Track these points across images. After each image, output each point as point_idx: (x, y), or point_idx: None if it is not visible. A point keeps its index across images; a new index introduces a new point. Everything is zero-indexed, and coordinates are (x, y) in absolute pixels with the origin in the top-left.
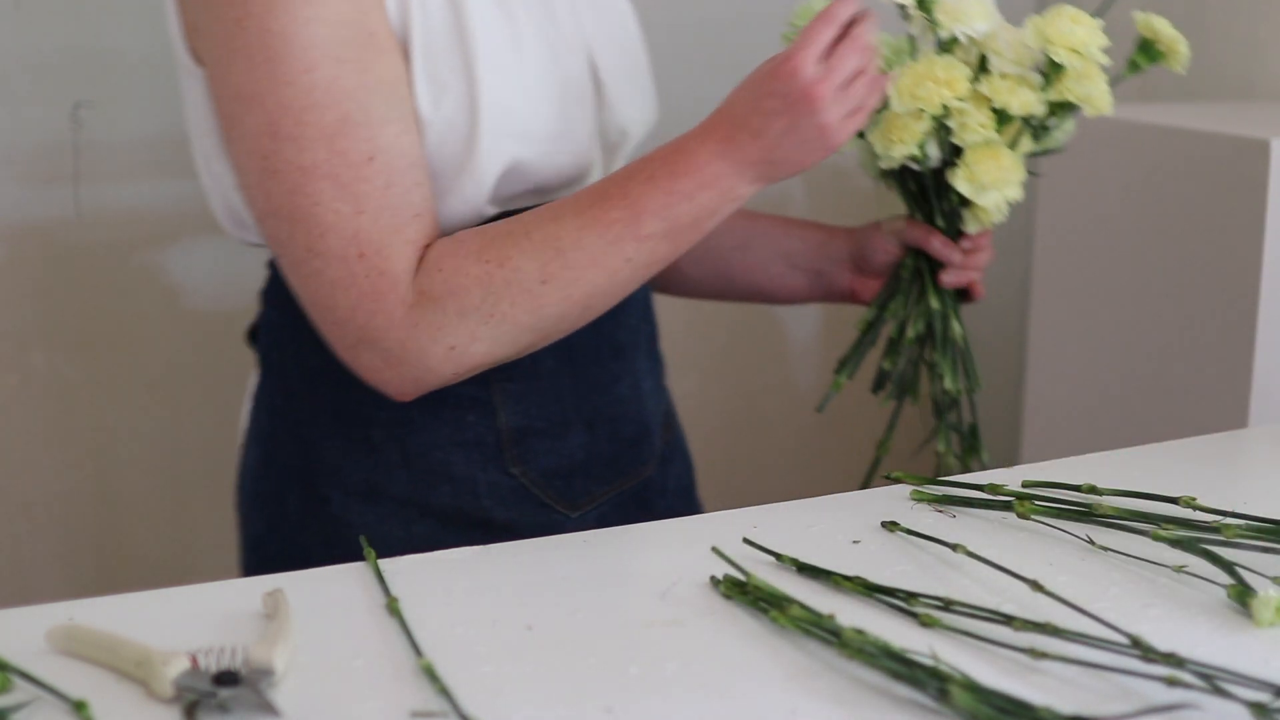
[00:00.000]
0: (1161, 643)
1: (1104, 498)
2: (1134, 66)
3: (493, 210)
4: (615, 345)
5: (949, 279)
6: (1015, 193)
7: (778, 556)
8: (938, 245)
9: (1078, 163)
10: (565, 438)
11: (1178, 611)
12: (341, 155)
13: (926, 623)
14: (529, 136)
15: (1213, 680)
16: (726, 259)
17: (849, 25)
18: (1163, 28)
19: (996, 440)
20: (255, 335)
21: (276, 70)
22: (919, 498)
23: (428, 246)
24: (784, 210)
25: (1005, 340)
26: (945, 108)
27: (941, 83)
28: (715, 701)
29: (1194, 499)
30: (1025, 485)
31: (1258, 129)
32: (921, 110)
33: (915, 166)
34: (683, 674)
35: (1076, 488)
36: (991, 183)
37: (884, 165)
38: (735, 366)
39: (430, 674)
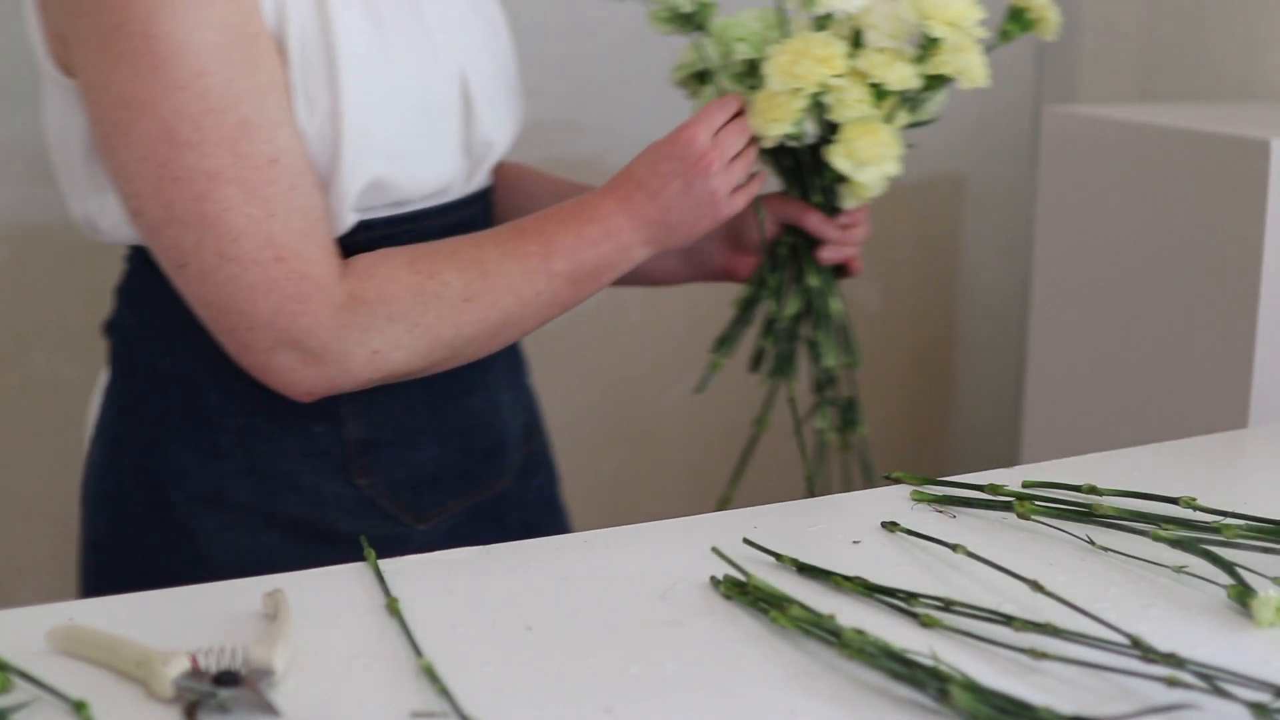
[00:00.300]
0: (1161, 643)
1: (1104, 498)
2: (1005, 35)
3: (354, 218)
4: None
5: (827, 255)
6: (893, 167)
7: (778, 556)
8: (815, 222)
9: (1078, 163)
10: (415, 449)
11: (1178, 612)
12: (245, 159)
13: (926, 623)
14: (392, 154)
15: (1213, 680)
16: None
17: (736, 115)
18: None
19: (996, 440)
20: (110, 330)
21: (166, 76)
22: (919, 498)
23: (350, 255)
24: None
25: (1005, 340)
26: (823, 85)
27: (819, 60)
28: (715, 701)
29: (1194, 499)
30: (1025, 485)
31: (1258, 129)
32: (798, 89)
33: (792, 144)
34: (683, 674)
35: (1076, 488)
36: (870, 159)
37: (761, 145)
38: (735, 366)
39: (430, 674)
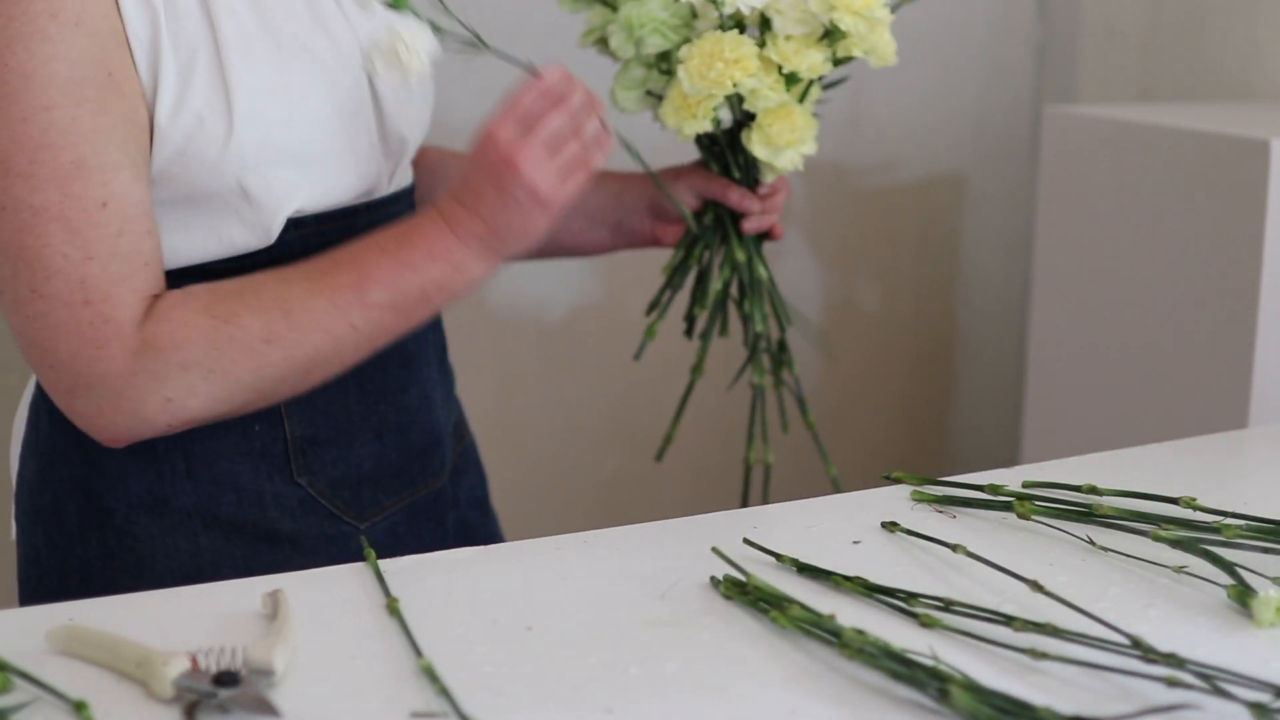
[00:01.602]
0: (1161, 643)
1: (1104, 498)
2: None
3: (281, 223)
4: (403, 354)
5: (750, 226)
6: (810, 148)
7: (778, 556)
8: (736, 198)
9: (1078, 163)
10: (353, 447)
11: (1178, 612)
12: (75, 199)
13: (926, 623)
14: (307, 164)
15: (1213, 680)
16: None
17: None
18: None
19: (996, 440)
20: None
21: (12, 106)
22: (919, 498)
23: (157, 296)
24: (784, 208)
25: (1005, 340)
26: (737, 86)
27: (731, 63)
28: (715, 701)
29: (1194, 499)
30: (1025, 485)
31: (1258, 129)
32: (713, 93)
33: (709, 130)
34: (683, 674)
35: (1077, 488)
36: (786, 143)
37: (679, 139)
38: (735, 366)
39: (430, 674)
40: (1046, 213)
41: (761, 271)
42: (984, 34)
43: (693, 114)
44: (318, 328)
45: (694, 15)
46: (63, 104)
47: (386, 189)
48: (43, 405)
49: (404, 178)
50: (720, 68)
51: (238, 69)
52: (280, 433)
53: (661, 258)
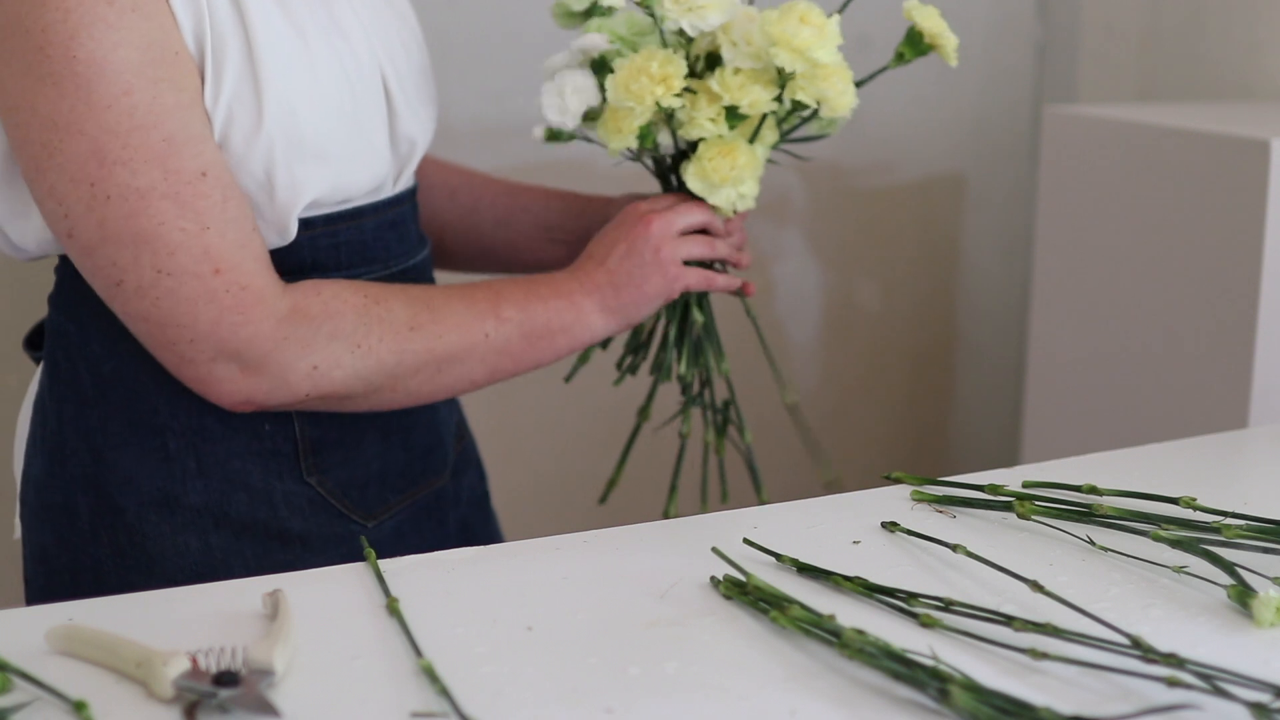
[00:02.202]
0: (1162, 643)
1: (1104, 498)
2: (900, 58)
3: (294, 226)
4: None
5: None
6: (749, 189)
7: (778, 556)
8: None
9: (1078, 163)
10: (360, 447)
11: (1178, 612)
12: (176, 174)
13: (927, 623)
14: (327, 158)
15: (1213, 680)
16: (490, 235)
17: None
18: (928, 21)
19: (996, 440)
20: (35, 341)
21: (91, 96)
22: (919, 498)
23: (288, 251)
24: (784, 208)
25: (1005, 340)
26: (659, 105)
27: (656, 80)
28: (715, 701)
29: (1194, 499)
30: (1025, 485)
31: (1258, 129)
32: (632, 106)
33: (651, 155)
34: (683, 674)
35: (1077, 488)
36: (723, 180)
37: (609, 155)
38: (735, 367)
39: (430, 674)
40: (1046, 213)
41: (695, 315)
42: (984, 34)
43: (618, 128)
44: (457, 326)
45: (649, 36)
46: (140, 86)
47: (392, 190)
48: (50, 403)
49: (408, 179)
50: (644, 82)
51: (267, 63)
52: (290, 432)
53: None
